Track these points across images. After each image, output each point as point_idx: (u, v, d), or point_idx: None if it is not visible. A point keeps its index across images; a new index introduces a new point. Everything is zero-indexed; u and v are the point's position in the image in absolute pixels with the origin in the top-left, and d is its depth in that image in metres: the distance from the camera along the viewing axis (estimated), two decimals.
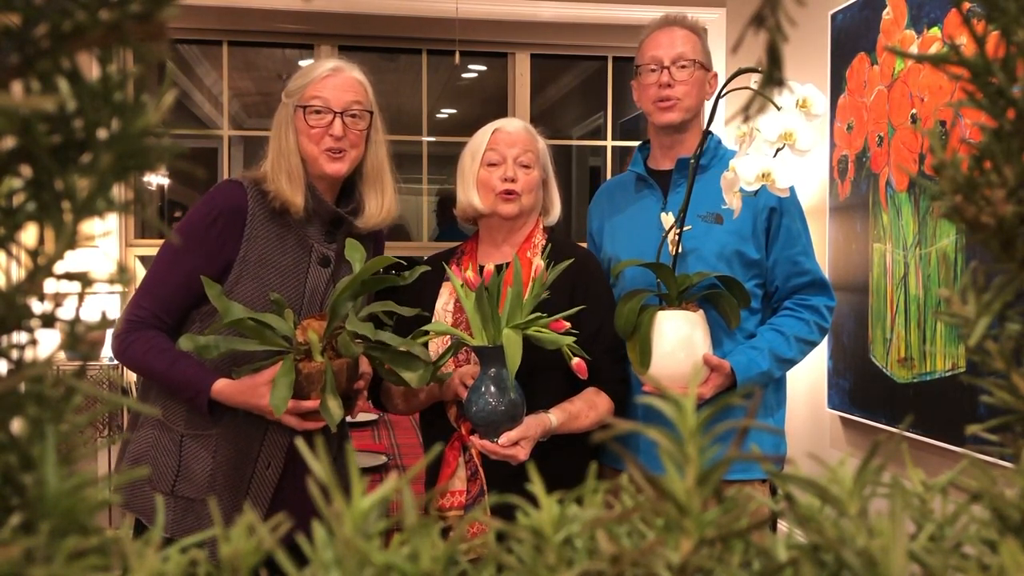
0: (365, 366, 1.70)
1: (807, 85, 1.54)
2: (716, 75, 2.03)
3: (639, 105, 2.02)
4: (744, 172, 1.53)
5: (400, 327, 1.68)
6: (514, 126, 1.88)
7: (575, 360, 1.64)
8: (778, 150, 1.53)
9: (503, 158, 1.83)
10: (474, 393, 1.63)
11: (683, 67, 1.93)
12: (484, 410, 1.61)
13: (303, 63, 1.84)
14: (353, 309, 1.57)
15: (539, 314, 1.63)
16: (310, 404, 1.57)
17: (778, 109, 1.52)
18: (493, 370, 1.62)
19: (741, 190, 1.57)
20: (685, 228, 1.76)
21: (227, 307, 1.56)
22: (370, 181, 1.78)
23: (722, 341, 1.86)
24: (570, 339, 1.62)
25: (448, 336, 1.75)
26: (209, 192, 1.74)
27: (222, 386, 1.62)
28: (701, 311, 1.78)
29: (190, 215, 1.72)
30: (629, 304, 1.75)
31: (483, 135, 1.88)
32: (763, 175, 1.53)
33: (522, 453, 1.62)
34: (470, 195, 1.85)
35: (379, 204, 1.78)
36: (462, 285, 1.67)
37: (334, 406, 1.54)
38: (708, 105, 1.96)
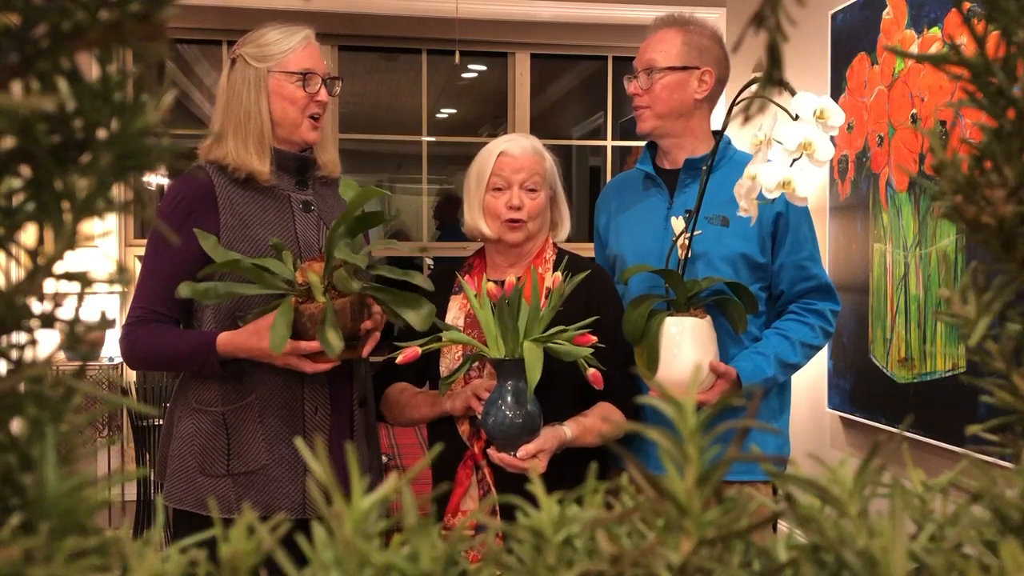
0: (378, 311, 1.69)
1: (824, 97, 1.53)
2: (709, 71, 1.93)
3: None
4: (765, 180, 1.52)
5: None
6: (520, 148, 1.81)
7: (591, 371, 1.62)
8: (794, 160, 1.52)
9: (508, 183, 1.79)
10: (491, 406, 1.62)
11: (647, 74, 1.92)
12: (503, 423, 1.60)
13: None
14: (348, 245, 1.57)
15: (560, 327, 1.62)
16: (308, 345, 1.56)
17: (794, 119, 1.51)
18: (511, 383, 1.61)
19: (760, 196, 1.56)
20: (695, 232, 1.76)
21: (224, 255, 1.56)
22: (323, 142, 1.83)
23: (728, 346, 1.85)
24: (587, 351, 1.61)
25: (460, 350, 1.75)
26: (173, 184, 1.76)
27: (226, 337, 1.62)
28: (709, 317, 1.77)
29: (160, 210, 1.73)
30: (638, 310, 1.74)
31: (488, 158, 1.82)
32: (784, 183, 1.52)
33: (540, 465, 1.61)
34: (477, 220, 1.82)
35: (324, 160, 1.84)
36: (476, 295, 1.65)
37: (333, 337, 1.52)
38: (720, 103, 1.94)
